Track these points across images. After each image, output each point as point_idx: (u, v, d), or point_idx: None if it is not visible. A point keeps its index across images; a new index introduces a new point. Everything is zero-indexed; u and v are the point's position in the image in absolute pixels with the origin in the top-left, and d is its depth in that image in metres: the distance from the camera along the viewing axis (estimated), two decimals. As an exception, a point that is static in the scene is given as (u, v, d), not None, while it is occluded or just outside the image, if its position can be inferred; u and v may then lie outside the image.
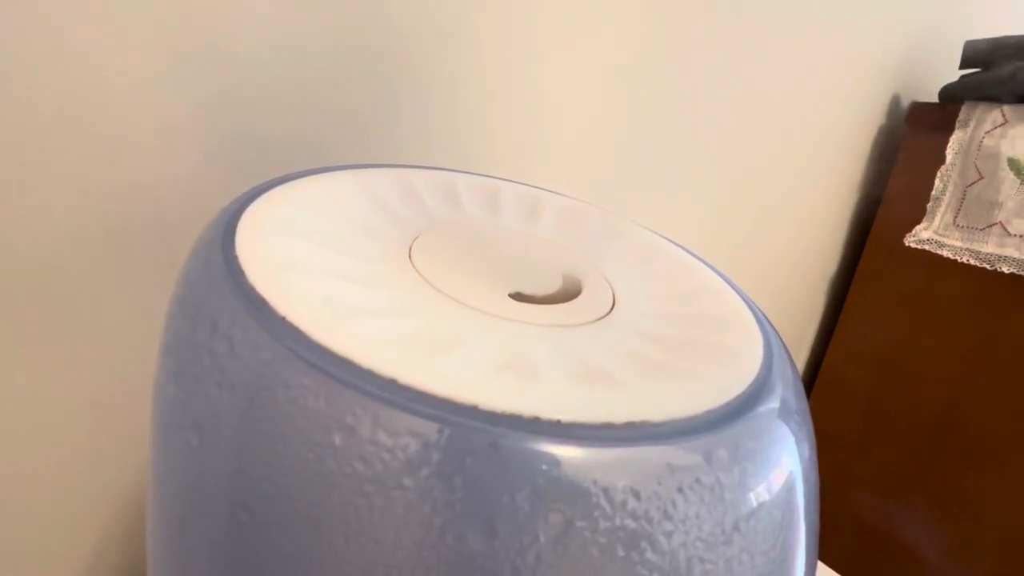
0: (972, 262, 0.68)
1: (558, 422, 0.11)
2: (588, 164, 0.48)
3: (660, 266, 0.21)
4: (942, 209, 0.71)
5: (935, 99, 0.71)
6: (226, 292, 0.13)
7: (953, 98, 0.69)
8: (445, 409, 0.11)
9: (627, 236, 0.23)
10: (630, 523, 0.11)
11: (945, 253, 0.71)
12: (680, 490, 0.11)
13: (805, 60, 0.61)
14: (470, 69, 0.36)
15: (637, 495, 0.11)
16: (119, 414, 0.28)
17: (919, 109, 0.72)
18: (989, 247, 0.67)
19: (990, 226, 0.67)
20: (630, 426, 0.12)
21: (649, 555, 0.11)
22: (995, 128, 0.66)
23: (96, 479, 0.29)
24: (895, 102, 0.75)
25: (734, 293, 0.20)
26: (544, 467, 0.11)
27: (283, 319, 0.12)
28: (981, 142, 0.67)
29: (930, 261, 0.72)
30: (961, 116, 0.68)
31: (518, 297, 0.17)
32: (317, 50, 0.29)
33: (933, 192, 0.71)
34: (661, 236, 0.24)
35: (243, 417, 0.12)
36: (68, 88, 0.23)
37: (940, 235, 0.72)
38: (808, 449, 0.15)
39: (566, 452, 0.11)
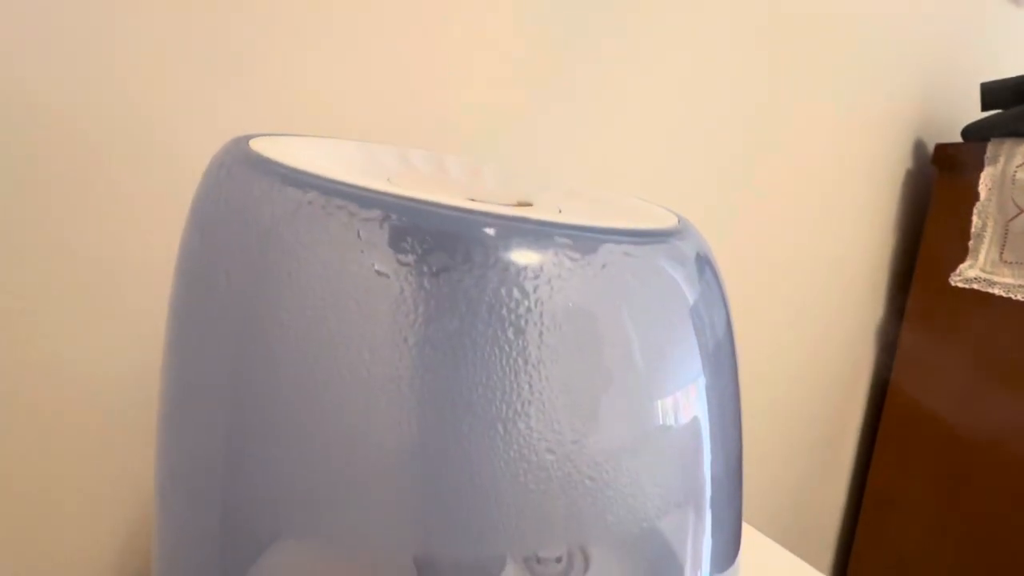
0: (1026, 298, 0.65)
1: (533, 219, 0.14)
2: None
3: (615, 207, 0.24)
4: (985, 246, 0.69)
5: (956, 139, 0.72)
6: (242, 164, 0.17)
7: (977, 136, 0.70)
8: (417, 203, 0.13)
9: (593, 192, 0.26)
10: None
11: (996, 291, 0.68)
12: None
13: (829, 116, 0.65)
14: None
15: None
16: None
17: (944, 150, 0.73)
18: (1041, 279, 0.64)
19: (1038, 258, 0.64)
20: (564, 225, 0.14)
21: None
22: (1026, 161, 0.66)
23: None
24: (919, 145, 0.76)
25: (674, 215, 0.22)
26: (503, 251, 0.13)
27: (290, 168, 0.15)
28: (1014, 176, 0.67)
29: (982, 299, 0.69)
30: (989, 153, 0.69)
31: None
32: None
33: (973, 229, 0.70)
34: (640, 198, 0.27)
35: (260, 248, 0.14)
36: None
37: (988, 273, 0.69)
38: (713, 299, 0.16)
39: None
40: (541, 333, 0.13)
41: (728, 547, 0.22)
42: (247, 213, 0.14)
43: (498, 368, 0.12)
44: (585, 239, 0.13)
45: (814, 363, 0.75)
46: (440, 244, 0.12)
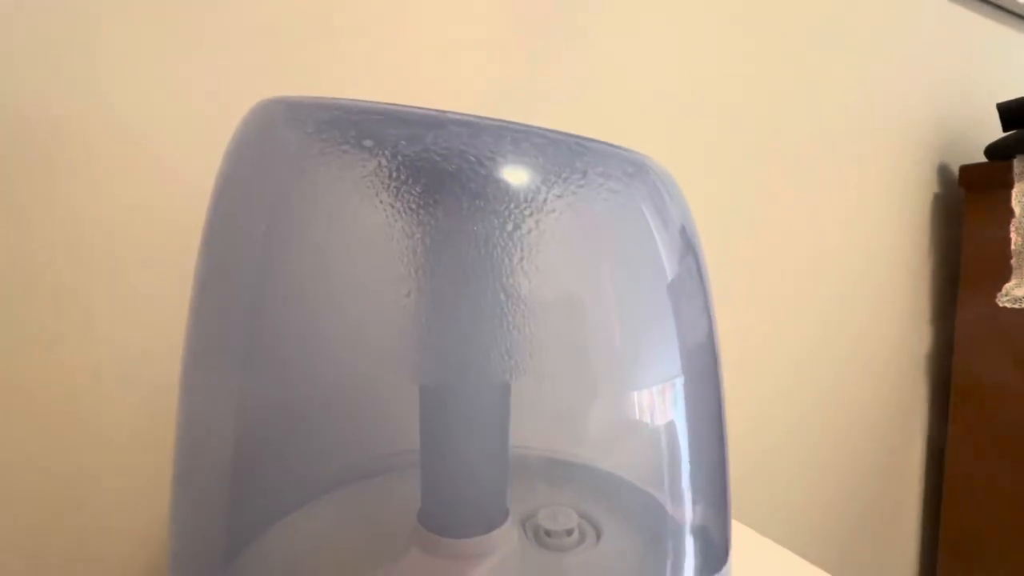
0: (1079, 310, 0.62)
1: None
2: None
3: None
4: (1029, 263, 0.67)
5: (977, 160, 0.72)
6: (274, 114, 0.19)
7: (1001, 155, 0.69)
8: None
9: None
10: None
11: (1049, 308, 0.65)
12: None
13: (850, 149, 0.66)
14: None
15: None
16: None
17: (971, 171, 0.72)
18: (1093, 291, 0.61)
19: (1086, 269, 0.62)
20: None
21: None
22: (1056, 174, 0.65)
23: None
24: (943, 169, 0.76)
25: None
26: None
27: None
28: (1047, 190, 0.65)
29: (1034, 318, 0.66)
30: (1017, 169, 0.68)
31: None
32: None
33: (1013, 247, 0.68)
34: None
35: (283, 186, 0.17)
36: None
37: (1037, 290, 0.66)
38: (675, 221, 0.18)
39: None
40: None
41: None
42: (265, 157, 0.17)
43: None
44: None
45: (866, 407, 0.72)
46: (439, 161, 0.14)
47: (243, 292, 0.16)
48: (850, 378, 0.70)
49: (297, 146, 0.15)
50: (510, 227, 0.14)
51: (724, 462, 0.21)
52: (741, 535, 0.40)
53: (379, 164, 0.13)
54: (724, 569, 0.23)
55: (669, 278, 0.18)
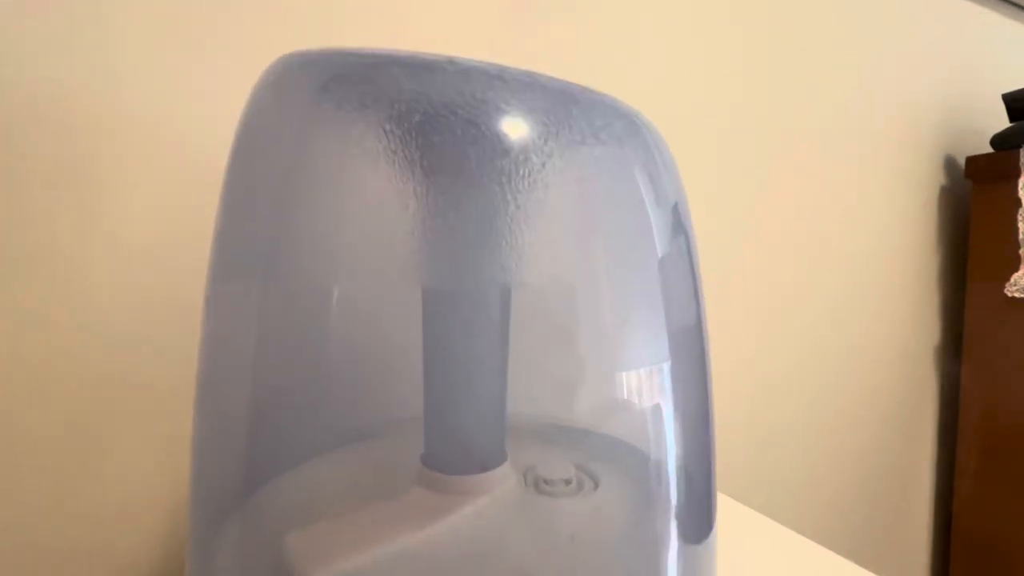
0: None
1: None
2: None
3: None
4: (1036, 252, 0.67)
5: (983, 151, 0.72)
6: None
7: (1007, 145, 0.69)
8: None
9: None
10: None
11: (1058, 298, 0.65)
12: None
13: (855, 142, 0.67)
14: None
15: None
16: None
17: (977, 162, 0.72)
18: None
19: (1094, 256, 0.61)
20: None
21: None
22: (1062, 162, 0.65)
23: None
24: (949, 162, 0.76)
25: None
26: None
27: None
28: (1054, 179, 0.65)
29: (1043, 308, 0.65)
30: (1023, 159, 0.68)
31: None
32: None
33: (1021, 236, 0.68)
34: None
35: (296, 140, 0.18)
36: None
37: (1045, 280, 0.66)
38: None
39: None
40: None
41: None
42: (279, 115, 0.18)
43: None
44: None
45: (875, 400, 0.72)
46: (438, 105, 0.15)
47: (264, 210, 0.17)
48: (859, 369, 0.70)
49: (312, 88, 0.16)
50: (511, 161, 0.15)
51: (709, 409, 0.22)
52: (744, 516, 0.40)
53: (387, 101, 0.14)
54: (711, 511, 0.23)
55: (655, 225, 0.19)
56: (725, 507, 0.41)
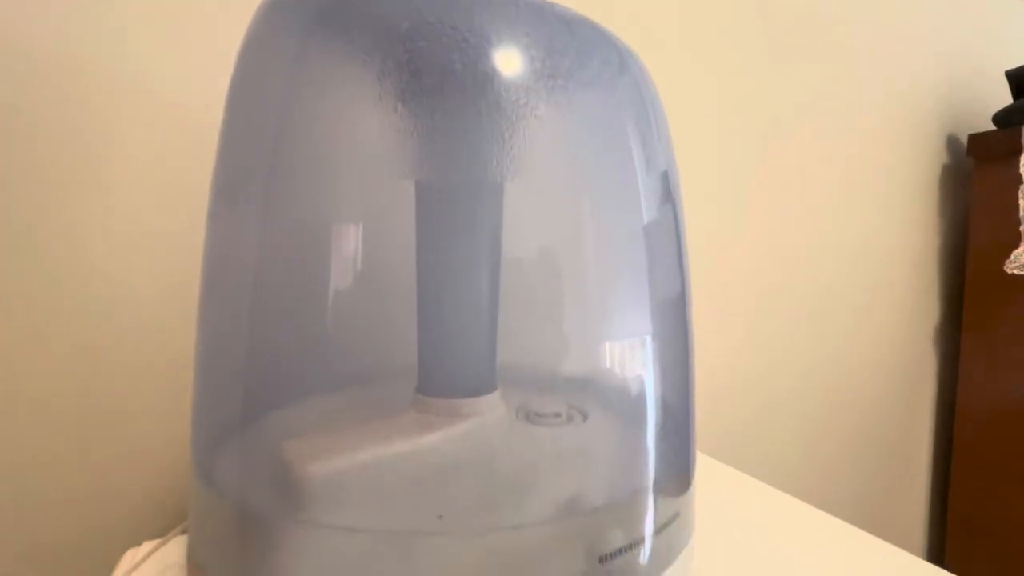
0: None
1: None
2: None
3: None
4: (1037, 229, 0.67)
5: (986, 130, 0.72)
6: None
7: (1009, 122, 0.69)
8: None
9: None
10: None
11: (1058, 274, 0.65)
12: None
13: (858, 120, 0.67)
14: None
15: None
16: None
17: (979, 139, 0.72)
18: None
19: (1094, 231, 0.61)
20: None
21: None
22: (1063, 138, 0.64)
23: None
24: (952, 140, 0.76)
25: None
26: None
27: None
28: (1056, 155, 0.65)
29: (1043, 285, 0.66)
30: (1025, 137, 0.68)
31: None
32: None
33: (1021, 213, 0.68)
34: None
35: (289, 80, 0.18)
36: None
37: (1046, 256, 0.66)
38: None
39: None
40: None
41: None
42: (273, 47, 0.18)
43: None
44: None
45: (874, 378, 0.72)
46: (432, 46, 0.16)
47: (262, 129, 0.17)
48: (858, 346, 0.70)
49: (306, 10, 0.16)
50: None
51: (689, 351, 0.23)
52: (741, 481, 0.41)
53: (377, 16, 0.15)
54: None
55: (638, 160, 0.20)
56: (725, 476, 0.41)
